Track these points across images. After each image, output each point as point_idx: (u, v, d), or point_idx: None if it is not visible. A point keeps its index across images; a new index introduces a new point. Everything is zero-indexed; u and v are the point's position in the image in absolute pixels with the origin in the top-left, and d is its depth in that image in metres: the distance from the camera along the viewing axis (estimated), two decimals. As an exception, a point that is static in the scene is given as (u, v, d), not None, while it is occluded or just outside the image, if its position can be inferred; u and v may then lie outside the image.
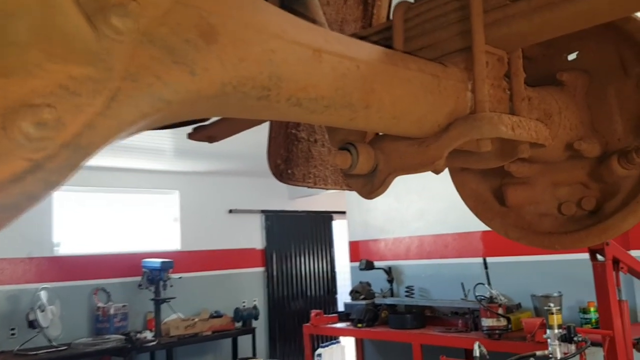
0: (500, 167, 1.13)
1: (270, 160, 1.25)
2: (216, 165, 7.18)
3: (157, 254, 6.71)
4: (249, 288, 7.91)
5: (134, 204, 7.23)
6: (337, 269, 9.06)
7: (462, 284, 5.16)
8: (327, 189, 1.28)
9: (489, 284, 4.93)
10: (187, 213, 7.45)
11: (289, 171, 1.24)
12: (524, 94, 0.99)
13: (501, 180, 1.31)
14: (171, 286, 6.25)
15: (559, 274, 4.81)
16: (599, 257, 3.12)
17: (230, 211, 7.87)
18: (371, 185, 0.99)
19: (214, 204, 7.72)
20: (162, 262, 6.17)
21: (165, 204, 7.50)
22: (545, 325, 3.92)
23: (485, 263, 5.12)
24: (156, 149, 5.97)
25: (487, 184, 1.35)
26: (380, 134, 1.02)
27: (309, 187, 1.25)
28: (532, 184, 1.26)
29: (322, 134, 1.29)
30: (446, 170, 1.10)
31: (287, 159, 1.24)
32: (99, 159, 6.27)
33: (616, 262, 3.14)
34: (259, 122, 1.19)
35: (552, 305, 2.92)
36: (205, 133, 1.28)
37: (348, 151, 0.96)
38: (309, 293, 8.61)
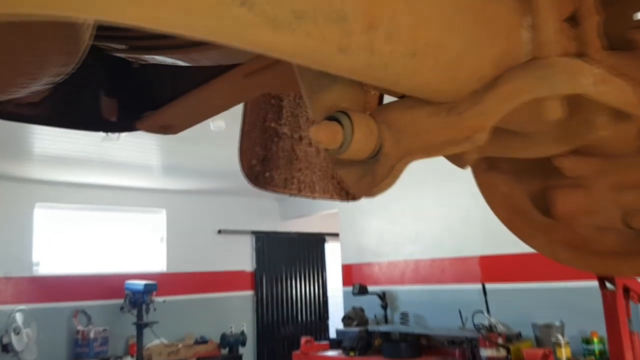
0: (544, 163, 0.85)
1: (243, 159, 0.96)
2: (205, 183, 6.98)
3: (141, 275, 6.50)
4: (237, 312, 7.64)
5: (118, 222, 7.00)
6: (330, 293, 8.81)
7: (459, 311, 4.97)
8: (314, 198, 1.01)
9: (487, 311, 4.72)
10: (174, 233, 7.23)
11: (267, 174, 0.96)
12: (598, 44, 0.69)
13: (544, 182, 0.96)
14: (154, 310, 6.03)
15: (560, 302, 4.62)
16: (609, 285, 2.95)
17: (219, 232, 7.65)
18: (372, 175, 0.67)
19: (203, 223, 7.51)
20: (145, 285, 5.96)
21: (151, 223, 7.28)
22: (548, 356, 3.74)
23: (484, 289, 4.91)
24: (143, 165, 5.78)
25: (525, 188, 1.00)
26: (386, 104, 0.72)
27: (291, 194, 0.99)
28: (588, 187, 0.92)
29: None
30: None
31: (265, 158, 0.96)
32: (81, 175, 6.09)
33: (626, 291, 2.97)
34: (222, 106, 0.93)
35: (560, 336, 2.71)
36: (158, 121, 0.98)
37: (338, 122, 0.64)
38: (299, 318, 8.34)
